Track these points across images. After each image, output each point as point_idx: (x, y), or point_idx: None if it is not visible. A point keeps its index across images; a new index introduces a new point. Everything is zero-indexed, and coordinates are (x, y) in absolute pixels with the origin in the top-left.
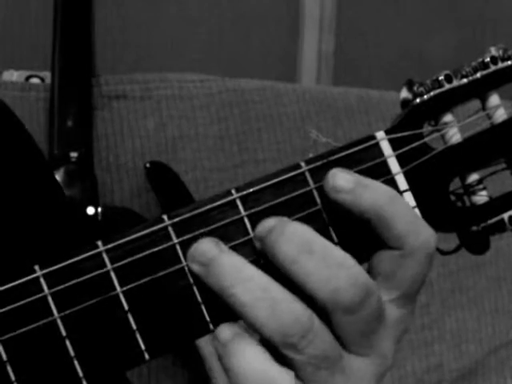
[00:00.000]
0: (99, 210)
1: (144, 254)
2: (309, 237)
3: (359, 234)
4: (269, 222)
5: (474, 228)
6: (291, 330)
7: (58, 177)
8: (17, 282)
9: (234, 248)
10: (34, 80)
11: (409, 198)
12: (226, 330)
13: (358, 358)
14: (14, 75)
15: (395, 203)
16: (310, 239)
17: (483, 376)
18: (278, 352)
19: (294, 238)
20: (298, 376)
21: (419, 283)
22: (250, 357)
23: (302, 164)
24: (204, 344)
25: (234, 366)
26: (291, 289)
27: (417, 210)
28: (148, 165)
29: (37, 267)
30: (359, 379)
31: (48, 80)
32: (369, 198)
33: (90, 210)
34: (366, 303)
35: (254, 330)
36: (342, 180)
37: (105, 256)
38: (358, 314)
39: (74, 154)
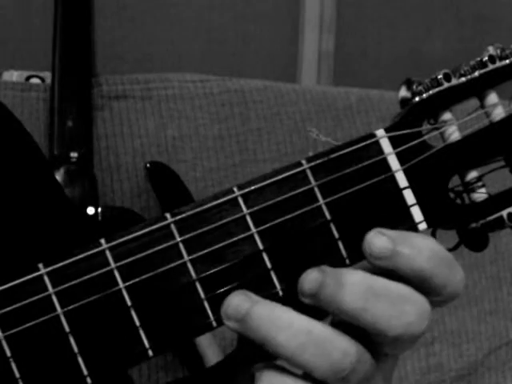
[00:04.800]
0: (99, 210)
1: (147, 251)
2: (369, 281)
3: (361, 230)
4: (312, 276)
5: (473, 225)
6: (342, 365)
7: (58, 177)
8: (21, 280)
9: (237, 245)
10: (34, 80)
11: (409, 195)
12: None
13: (380, 371)
14: (14, 75)
15: (433, 261)
16: (371, 283)
17: (483, 376)
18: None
19: (356, 288)
20: None
21: None
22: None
23: (303, 162)
24: (204, 342)
25: None
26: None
27: (417, 208)
28: (148, 165)
29: (41, 265)
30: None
31: (48, 80)
32: (408, 264)
33: (90, 210)
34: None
35: (306, 372)
36: (378, 245)
37: (108, 254)
38: (421, 336)
39: (74, 154)
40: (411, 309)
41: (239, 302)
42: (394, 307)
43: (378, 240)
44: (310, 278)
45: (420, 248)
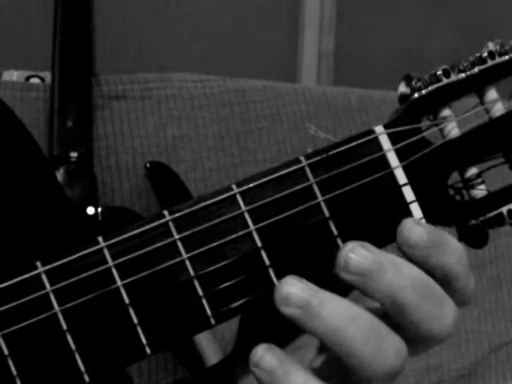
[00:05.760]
0: (99, 210)
1: (145, 249)
2: (425, 278)
3: (360, 227)
4: (365, 253)
5: (473, 222)
6: (397, 364)
7: (58, 177)
8: (19, 279)
9: (235, 242)
10: (34, 80)
11: (408, 191)
12: (268, 357)
13: None
14: (14, 75)
15: (462, 262)
16: (426, 280)
17: (483, 376)
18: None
19: (416, 281)
20: None
21: None
22: (302, 383)
23: (302, 159)
24: (204, 342)
25: None
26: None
27: (416, 204)
28: (148, 165)
29: (38, 263)
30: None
31: (48, 80)
32: (441, 259)
33: (90, 210)
34: None
35: (355, 368)
36: (417, 236)
37: (106, 252)
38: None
39: (73, 154)
40: (449, 313)
41: (302, 289)
42: (439, 309)
43: (420, 229)
44: (362, 254)
45: (453, 248)
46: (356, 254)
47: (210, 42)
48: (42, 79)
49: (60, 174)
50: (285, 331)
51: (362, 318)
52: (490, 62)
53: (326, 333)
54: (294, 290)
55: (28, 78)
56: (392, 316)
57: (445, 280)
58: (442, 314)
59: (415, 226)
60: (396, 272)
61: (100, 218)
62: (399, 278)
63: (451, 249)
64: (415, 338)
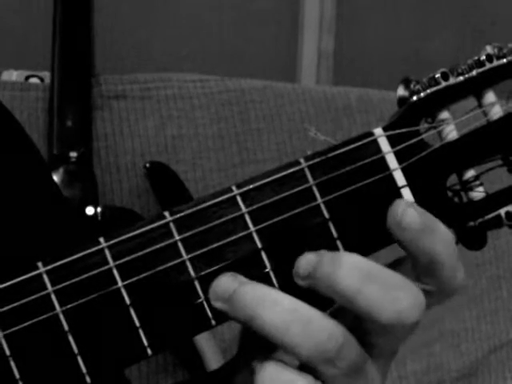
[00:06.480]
0: (99, 209)
1: (146, 250)
2: (365, 264)
3: (360, 229)
4: (309, 256)
5: (471, 224)
6: (327, 347)
7: (58, 177)
8: (20, 279)
9: (235, 243)
10: (34, 80)
11: (407, 193)
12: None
13: (374, 364)
14: (13, 75)
15: (449, 249)
16: (368, 266)
17: (483, 376)
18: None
19: (354, 269)
20: None
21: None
22: (273, 368)
23: (301, 160)
24: (204, 343)
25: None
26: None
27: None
28: (148, 165)
29: (40, 264)
30: (373, 381)
31: (48, 80)
32: (429, 244)
33: (90, 210)
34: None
35: (290, 353)
36: (409, 218)
37: (107, 252)
38: (414, 329)
39: (73, 154)
40: (404, 297)
41: (227, 282)
42: (388, 293)
43: (414, 211)
44: (307, 258)
45: (442, 235)
46: (304, 258)
47: (210, 42)
48: (42, 79)
49: (59, 174)
50: None
51: (281, 303)
52: (488, 65)
53: (250, 322)
54: (219, 283)
55: (27, 78)
56: (344, 308)
57: (430, 267)
58: (390, 299)
59: (409, 208)
60: (331, 262)
61: (100, 217)
62: (334, 267)
63: (440, 235)
64: (376, 330)
